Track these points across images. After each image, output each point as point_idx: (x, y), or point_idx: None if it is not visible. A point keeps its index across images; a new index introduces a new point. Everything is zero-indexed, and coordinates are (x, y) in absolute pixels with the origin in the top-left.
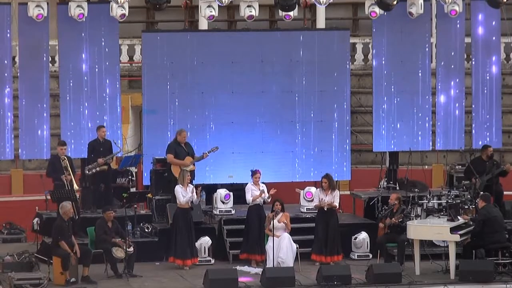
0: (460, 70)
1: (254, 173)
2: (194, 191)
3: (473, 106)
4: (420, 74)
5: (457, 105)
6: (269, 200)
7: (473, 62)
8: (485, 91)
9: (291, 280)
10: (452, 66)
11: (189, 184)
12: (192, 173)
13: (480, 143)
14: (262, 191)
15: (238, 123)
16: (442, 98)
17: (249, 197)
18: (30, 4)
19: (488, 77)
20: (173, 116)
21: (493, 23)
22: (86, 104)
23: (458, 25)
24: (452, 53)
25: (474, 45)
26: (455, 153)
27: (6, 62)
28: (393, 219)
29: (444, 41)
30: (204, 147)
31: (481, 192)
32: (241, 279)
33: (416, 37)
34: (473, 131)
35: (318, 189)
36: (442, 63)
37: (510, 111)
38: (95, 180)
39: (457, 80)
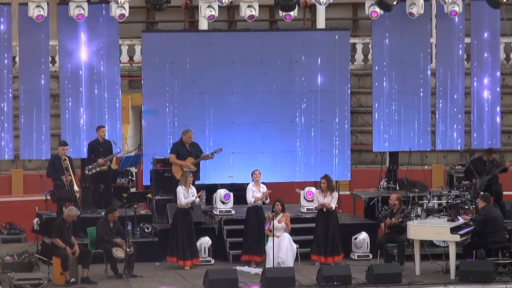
0: (460, 70)
1: (253, 172)
2: (196, 194)
3: (473, 106)
4: (420, 74)
5: (457, 105)
6: (267, 202)
7: (473, 62)
8: (484, 91)
9: (291, 280)
10: (452, 66)
11: (191, 186)
12: (197, 173)
13: (476, 143)
14: (264, 192)
15: (238, 123)
16: (442, 98)
17: (250, 198)
18: (30, 4)
19: (487, 77)
20: (173, 116)
21: (493, 23)
22: (86, 104)
23: (458, 25)
24: (452, 53)
25: (474, 45)
26: (455, 153)
27: (6, 62)
28: (393, 219)
29: (444, 41)
30: (204, 147)
31: (481, 192)
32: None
33: (416, 37)
34: (473, 131)
35: (317, 190)
36: (442, 63)
37: (510, 111)
38: (95, 180)
39: (457, 80)
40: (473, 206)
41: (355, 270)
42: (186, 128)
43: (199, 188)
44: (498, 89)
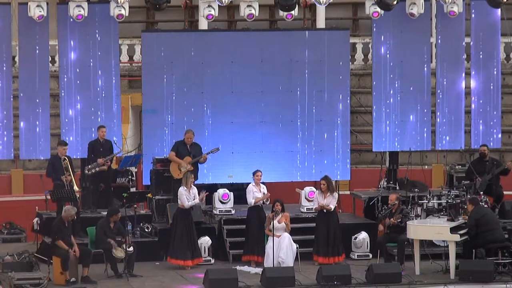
0: (460, 70)
1: (255, 172)
2: (197, 194)
3: (473, 106)
4: (420, 74)
5: (457, 105)
6: (267, 203)
7: (473, 62)
8: (485, 91)
9: (291, 280)
10: (452, 66)
11: (192, 186)
12: (195, 173)
13: (478, 142)
14: (264, 194)
15: (238, 123)
16: (442, 98)
17: (250, 199)
18: (30, 4)
19: (488, 77)
20: (172, 116)
21: (493, 23)
22: (86, 104)
23: (458, 25)
24: (452, 53)
25: (474, 45)
26: (455, 153)
27: (6, 62)
28: (392, 219)
29: (444, 41)
30: (204, 147)
31: (481, 192)
32: None
33: (416, 37)
34: (473, 131)
35: (317, 191)
36: (442, 63)
37: (510, 111)
38: (95, 180)
39: (457, 80)
40: None
41: (355, 270)
42: (187, 128)
43: (199, 188)
44: (498, 89)
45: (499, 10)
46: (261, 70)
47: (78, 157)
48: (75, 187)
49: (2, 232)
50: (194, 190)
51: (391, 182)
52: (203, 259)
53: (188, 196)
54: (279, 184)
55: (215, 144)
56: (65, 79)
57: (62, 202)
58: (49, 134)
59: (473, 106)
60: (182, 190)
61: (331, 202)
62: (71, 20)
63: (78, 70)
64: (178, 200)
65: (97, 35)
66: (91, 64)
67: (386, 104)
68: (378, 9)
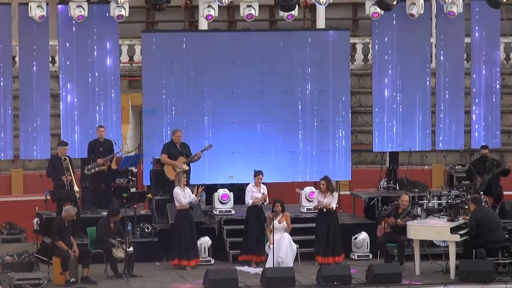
0: (460, 70)
1: (257, 173)
2: (191, 193)
3: (473, 106)
4: (420, 74)
5: (457, 105)
6: (266, 203)
7: (473, 62)
8: (485, 91)
9: (291, 280)
10: (452, 66)
11: (186, 186)
12: (188, 173)
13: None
14: (263, 194)
15: (238, 123)
16: (442, 98)
17: (248, 199)
18: (31, 4)
19: (487, 77)
20: (173, 116)
21: (493, 23)
22: (86, 104)
23: (458, 25)
24: (452, 53)
25: (474, 45)
26: (455, 153)
27: (6, 62)
28: (399, 220)
29: (444, 41)
30: (203, 147)
31: (481, 192)
32: None
33: (416, 37)
34: (473, 131)
35: (317, 191)
36: (442, 63)
37: (510, 111)
38: (95, 180)
39: (457, 80)
40: None
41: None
42: (188, 128)
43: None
44: (498, 89)
45: (499, 10)
46: (261, 70)
47: (78, 157)
48: (75, 187)
49: (2, 232)
50: (188, 190)
51: (391, 182)
52: (200, 259)
53: (184, 195)
54: (279, 184)
55: (215, 144)
56: (65, 79)
57: (62, 202)
58: (49, 134)
59: (473, 106)
60: (177, 190)
61: (331, 201)
62: (71, 20)
63: (78, 70)
64: (175, 201)
65: (97, 35)
66: (91, 64)
67: (386, 104)
68: (378, 10)
